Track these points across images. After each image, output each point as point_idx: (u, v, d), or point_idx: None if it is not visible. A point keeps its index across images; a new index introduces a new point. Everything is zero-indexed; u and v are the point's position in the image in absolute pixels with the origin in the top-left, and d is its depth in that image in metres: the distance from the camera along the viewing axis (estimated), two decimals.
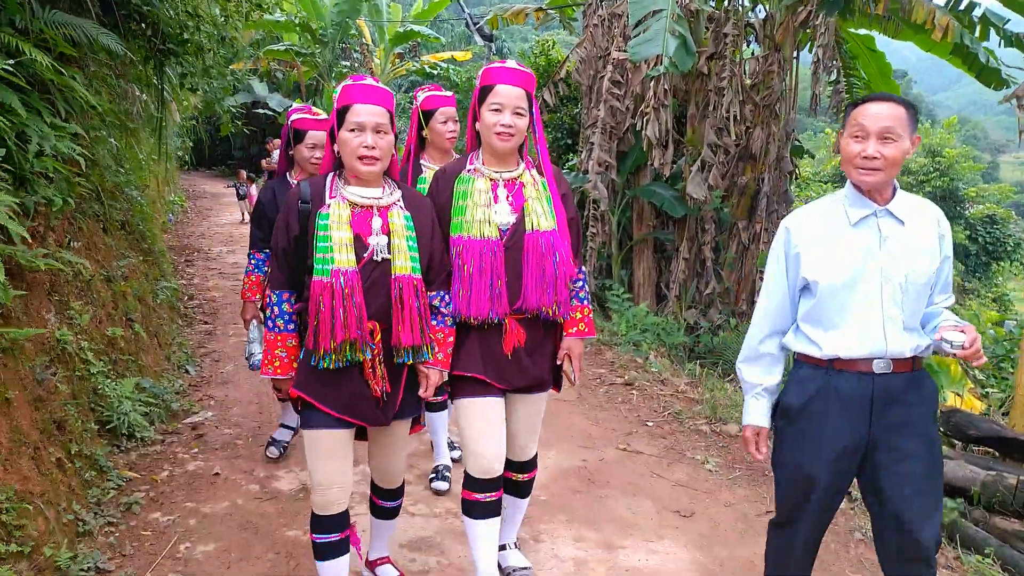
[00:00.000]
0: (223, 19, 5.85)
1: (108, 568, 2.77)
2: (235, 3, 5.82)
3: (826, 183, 19.62)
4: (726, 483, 3.80)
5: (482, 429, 2.49)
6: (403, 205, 2.37)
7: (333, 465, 2.35)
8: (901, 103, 2.06)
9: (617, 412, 4.80)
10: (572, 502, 3.54)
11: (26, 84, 3.18)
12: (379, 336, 2.28)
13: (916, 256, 2.12)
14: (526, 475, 2.74)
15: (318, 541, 2.40)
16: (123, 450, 3.74)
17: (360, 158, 2.24)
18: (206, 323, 6.78)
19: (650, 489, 3.70)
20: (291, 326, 2.37)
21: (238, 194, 14.98)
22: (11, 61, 2.87)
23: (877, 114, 2.04)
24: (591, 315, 2.64)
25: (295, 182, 3.52)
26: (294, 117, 3.56)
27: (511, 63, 2.50)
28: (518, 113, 2.41)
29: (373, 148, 2.23)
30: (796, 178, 9.53)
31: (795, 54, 8.28)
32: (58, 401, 3.20)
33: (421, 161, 3.44)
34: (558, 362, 2.62)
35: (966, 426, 4.04)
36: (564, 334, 2.60)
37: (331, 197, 2.30)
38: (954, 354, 2.00)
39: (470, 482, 2.53)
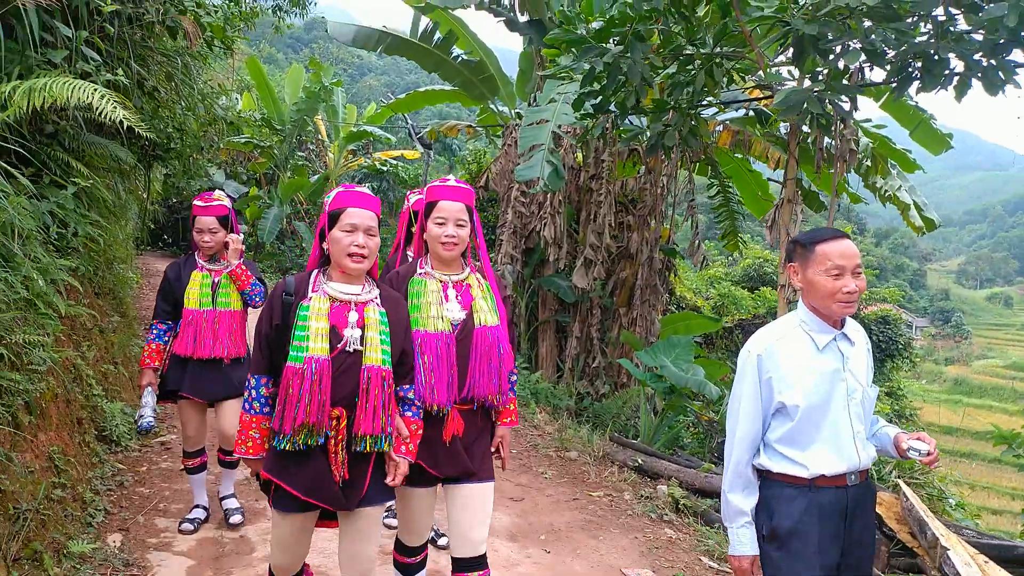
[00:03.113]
0: (203, 132, 7.44)
1: (113, 511, 4.12)
2: (217, 125, 7.43)
3: (737, 283, 21.41)
4: (553, 484, 5.29)
5: (413, 513, 2.74)
6: (379, 302, 2.54)
7: (292, 545, 2.55)
8: (848, 236, 2.36)
9: None
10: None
11: (68, 185, 4.68)
12: (344, 422, 2.42)
13: (866, 372, 2.38)
14: (479, 574, 2.69)
15: None
16: (113, 451, 5.06)
17: (350, 255, 2.44)
18: None
19: (498, 487, 5.15)
20: (266, 409, 2.50)
21: None
22: (80, 184, 4.36)
23: (850, 254, 2.28)
24: (516, 407, 2.89)
25: (201, 261, 3.99)
26: (193, 203, 4.00)
27: (451, 180, 2.73)
28: (459, 224, 2.65)
29: (363, 247, 2.45)
30: (676, 274, 11.38)
31: (674, 173, 10.19)
32: (78, 406, 4.57)
33: (407, 253, 3.84)
34: (492, 449, 2.80)
35: None
36: (498, 423, 2.80)
37: (313, 291, 2.48)
38: (921, 460, 2.26)
39: (400, 547, 2.81)
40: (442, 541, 4.12)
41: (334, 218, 2.48)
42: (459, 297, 2.69)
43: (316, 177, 20.03)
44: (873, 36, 4.48)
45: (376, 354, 2.44)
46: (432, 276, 2.70)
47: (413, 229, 3.76)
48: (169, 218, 18.87)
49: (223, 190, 4.34)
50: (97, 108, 3.76)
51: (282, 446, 2.37)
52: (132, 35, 5.15)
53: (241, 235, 4.08)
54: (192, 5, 5.78)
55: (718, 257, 26.19)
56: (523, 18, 10.27)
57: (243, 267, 4.01)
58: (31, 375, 3.50)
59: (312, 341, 2.38)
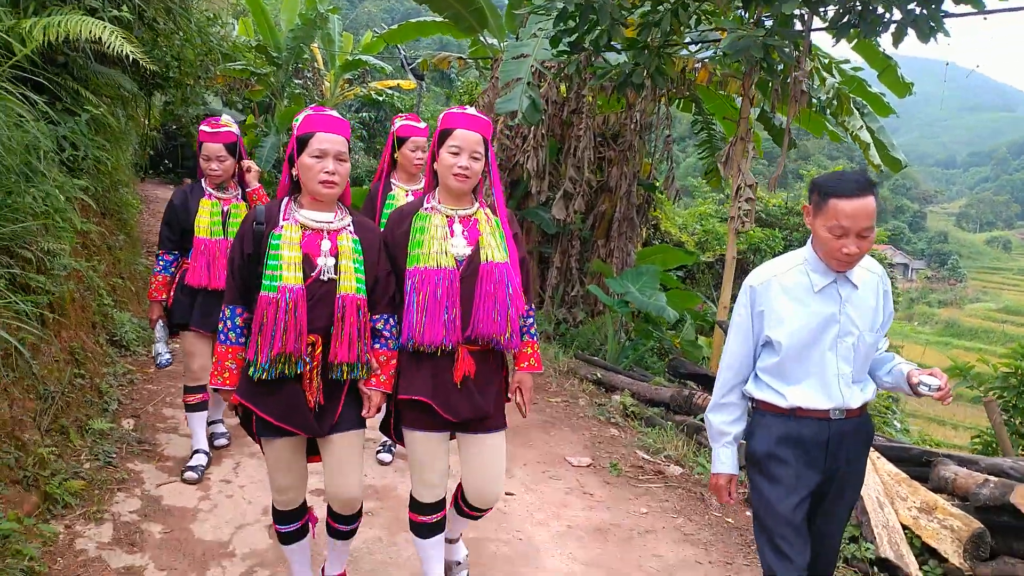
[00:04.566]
0: (200, 62, 7.81)
1: (125, 402, 4.72)
2: (212, 54, 7.81)
3: (725, 220, 21.65)
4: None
5: (425, 460, 2.61)
6: (352, 230, 2.51)
7: (286, 470, 2.54)
8: (872, 192, 2.21)
9: None
10: None
11: (81, 113, 5.13)
12: (320, 349, 2.42)
13: (867, 316, 2.35)
14: (484, 512, 2.80)
15: (281, 530, 2.67)
16: (123, 355, 5.64)
17: (322, 182, 2.39)
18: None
19: None
20: (242, 339, 2.48)
21: None
22: (92, 111, 4.81)
23: (860, 215, 2.18)
24: (539, 350, 2.76)
25: (209, 189, 3.82)
26: (200, 129, 3.82)
27: (471, 109, 2.58)
28: (474, 157, 2.52)
29: (334, 173, 2.39)
30: (656, 208, 11.85)
31: (657, 109, 10.57)
32: (92, 312, 5.13)
33: (392, 180, 3.84)
34: (510, 394, 2.71)
35: (679, 366, 6.26)
36: (516, 368, 2.70)
37: (284, 219, 2.43)
38: (931, 396, 2.24)
39: (416, 505, 2.67)
40: (384, 456, 4.16)
41: (303, 143, 2.41)
42: (465, 232, 2.58)
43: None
44: None
45: (351, 282, 2.43)
46: (438, 211, 2.59)
47: (396, 155, 3.82)
48: (167, 144, 19.21)
49: (228, 116, 4.10)
50: (106, 42, 4.20)
51: (257, 375, 2.36)
52: None
53: (252, 162, 3.98)
54: None
55: (710, 194, 26.51)
56: None
57: (261, 191, 3.96)
58: (53, 279, 4.03)
59: (285, 270, 2.36)
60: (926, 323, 53.65)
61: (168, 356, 3.92)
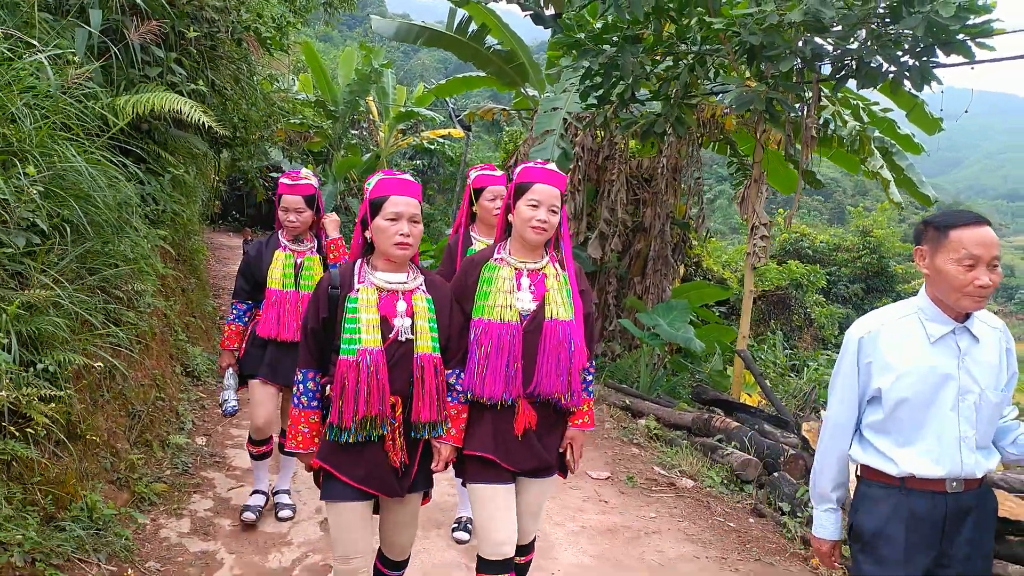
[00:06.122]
0: (264, 122, 8.65)
1: (198, 423, 5.36)
2: (275, 115, 8.65)
3: (771, 257, 21.87)
4: None
5: (493, 515, 2.55)
6: (425, 289, 2.54)
7: (355, 536, 2.47)
8: (990, 223, 2.10)
9: None
10: None
11: (164, 173, 5.90)
12: (400, 410, 2.43)
13: (989, 374, 2.14)
14: (524, 558, 2.79)
15: None
16: (195, 384, 6.32)
17: (397, 244, 2.42)
18: None
19: None
20: (315, 403, 2.51)
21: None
22: (173, 172, 5.56)
23: (988, 242, 2.04)
24: (592, 407, 2.75)
25: (285, 241, 3.86)
26: (279, 181, 3.86)
27: (550, 164, 2.61)
28: (552, 210, 2.54)
29: (408, 236, 2.42)
30: (690, 246, 12.29)
31: (691, 152, 11.08)
32: (169, 345, 5.83)
33: (471, 233, 3.71)
34: (560, 450, 2.67)
35: (702, 392, 6.67)
36: (569, 425, 2.67)
37: (359, 282, 2.46)
38: None
39: (483, 564, 2.58)
40: (461, 535, 3.92)
41: (376, 206, 2.45)
42: (532, 287, 2.57)
43: (368, 155, 21.23)
44: (808, 45, 5.38)
45: (427, 342, 2.45)
46: (507, 263, 2.60)
47: (474, 208, 3.71)
48: (231, 195, 20.45)
49: (307, 170, 4.09)
50: (186, 115, 4.94)
51: (345, 439, 2.38)
52: (206, 46, 6.32)
53: (334, 214, 4.04)
54: (252, 18, 6.94)
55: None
56: (549, 12, 11.24)
57: (340, 242, 3.95)
58: (140, 315, 4.71)
59: (364, 333, 2.38)
60: None
61: (235, 404, 3.90)
